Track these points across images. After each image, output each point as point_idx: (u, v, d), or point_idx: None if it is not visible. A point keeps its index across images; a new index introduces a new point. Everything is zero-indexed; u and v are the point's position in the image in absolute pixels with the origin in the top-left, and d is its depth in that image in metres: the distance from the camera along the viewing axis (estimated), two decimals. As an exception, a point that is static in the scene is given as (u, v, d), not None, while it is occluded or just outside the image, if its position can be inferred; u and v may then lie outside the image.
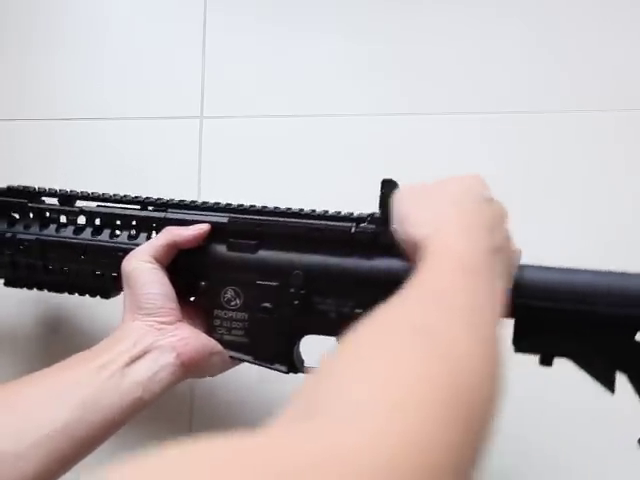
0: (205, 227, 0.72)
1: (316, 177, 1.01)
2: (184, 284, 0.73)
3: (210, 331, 0.72)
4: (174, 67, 1.09)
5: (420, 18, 1.02)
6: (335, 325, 0.63)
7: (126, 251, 0.73)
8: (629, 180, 0.95)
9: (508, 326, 0.62)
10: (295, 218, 0.71)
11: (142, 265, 0.69)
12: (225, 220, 0.73)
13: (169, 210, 0.77)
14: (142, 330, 0.66)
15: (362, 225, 0.69)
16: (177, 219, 0.75)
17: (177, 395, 0.99)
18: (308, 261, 0.69)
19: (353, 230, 0.68)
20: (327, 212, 0.71)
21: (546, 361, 0.62)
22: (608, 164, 0.96)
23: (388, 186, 0.64)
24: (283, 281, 0.70)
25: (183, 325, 0.69)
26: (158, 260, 0.70)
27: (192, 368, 0.68)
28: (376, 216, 0.67)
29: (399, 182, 0.64)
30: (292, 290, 0.69)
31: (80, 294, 0.84)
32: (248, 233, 0.72)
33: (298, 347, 0.73)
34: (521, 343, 0.63)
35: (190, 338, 0.68)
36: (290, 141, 1.04)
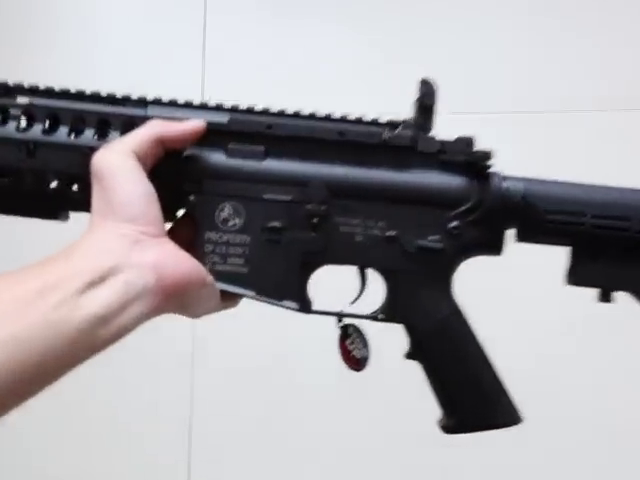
0: (200, 123, 0.57)
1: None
2: (168, 197, 0.56)
3: (199, 259, 0.55)
4: (174, 62, 1.09)
5: (424, 10, 1.02)
6: (361, 251, 0.57)
7: (94, 149, 0.55)
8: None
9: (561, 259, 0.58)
10: (312, 120, 0.58)
11: (121, 159, 0.53)
12: (225, 120, 0.58)
13: (150, 106, 0.60)
14: (112, 242, 0.49)
15: (396, 130, 0.57)
16: (163, 117, 0.58)
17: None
18: (330, 172, 0.57)
19: (386, 135, 0.57)
20: (350, 115, 0.59)
21: (605, 297, 0.57)
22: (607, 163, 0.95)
23: (427, 86, 0.56)
24: (297, 195, 0.57)
25: (168, 241, 0.53)
26: (140, 158, 0.54)
27: (175, 299, 0.52)
28: (412, 121, 0.57)
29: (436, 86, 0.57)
30: (309, 206, 0.57)
31: (24, 215, 0.63)
32: (254, 136, 0.58)
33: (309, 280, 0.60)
34: (576, 274, 0.57)
35: (178, 257, 0.52)
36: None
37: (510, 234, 0.56)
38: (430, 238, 0.56)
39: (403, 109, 0.99)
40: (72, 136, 0.58)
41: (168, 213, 0.57)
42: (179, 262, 0.52)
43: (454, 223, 0.56)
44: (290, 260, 0.58)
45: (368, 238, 0.57)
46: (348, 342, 0.58)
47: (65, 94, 0.60)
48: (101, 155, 0.53)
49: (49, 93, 0.60)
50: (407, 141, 0.56)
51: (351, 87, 1.06)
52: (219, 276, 0.57)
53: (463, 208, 0.56)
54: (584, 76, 0.97)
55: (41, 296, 0.45)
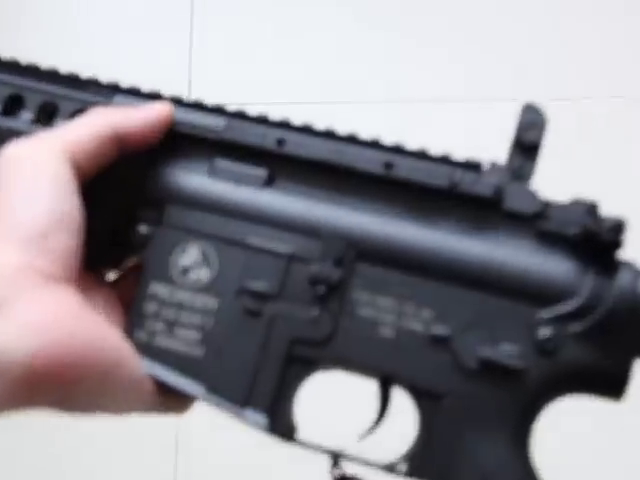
0: (166, 108, 0.40)
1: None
2: (105, 224, 0.40)
3: (131, 323, 0.39)
4: (160, 53, 1.08)
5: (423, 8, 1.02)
6: (387, 354, 0.36)
7: (22, 135, 0.40)
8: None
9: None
10: (346, 143, 0.40)
11: (46, 158, 0.36)
12: (221, 124, 0.40)
13: (118, 95, 0.42)
14: None
15: (472, 174, 0.38)
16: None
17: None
18: (358, 222, 0.38)
19: (458, 178, 0.37)
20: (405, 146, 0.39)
21: None
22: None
23: (532, 116, 0.37)
24: (302, 248, 0.38)
25: (72, 293, 0.35)
26: (79, 161, 0.37)
27: (60, 387, 0.32)
28: (503, 165, 0.38)
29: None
30: (316, 267, 0.37)
31: None
32: (256, 154, 0.40)
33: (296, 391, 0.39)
34: None
35: (80, 320, 0.34)
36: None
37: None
38: (505, 349, 0.35)
39: (407, 95, 0.99)
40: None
41: (112, 252, 0.41)
42: (80, 328, 0.33)
43: (547, 331, 0.35)
44: (271, 347, 0.37)
45: (402, 333, 0.36)
46: None
47: (15, 66, 0.44)
48: (21, 145, 0.37)
49: None
50: (489, 191, 0.37)
51: (352, 71, 1.05)
52: (157, 355, 0.38)
53: (566, 310, 0.35)
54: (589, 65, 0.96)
55: None
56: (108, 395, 0.35)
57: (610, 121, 0.95)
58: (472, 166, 0.37)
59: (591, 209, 0.36)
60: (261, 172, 0.39)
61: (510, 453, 0.35)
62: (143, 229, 0.39)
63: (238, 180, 0.39)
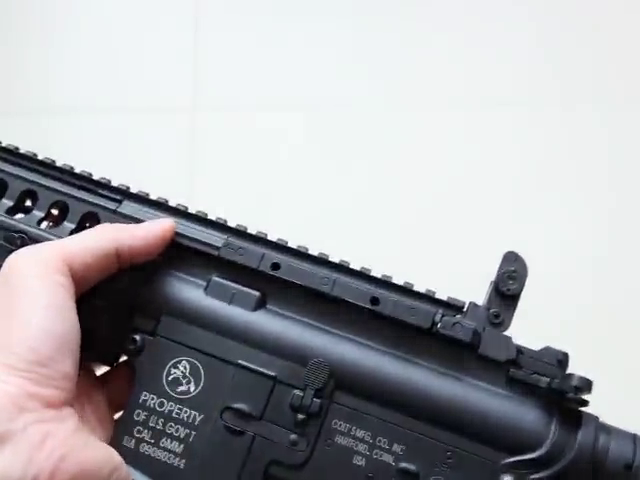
0: (169, 225, 0.42)
1: (317, 172, 1.00)
2: (102, 330, 0.42)
3: (120, 432, 0.40)
4: (164, 56, 1.08)
5: (426, 9, 1.02)
6: (357, 476, 0.38)
7: (27, 237, 0.42)
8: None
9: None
10: (340, 271, 0.42)
11: (44, 273, 0.37)
12: (220, 242, 0.42)
13: (127, 201, 0.45)
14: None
15: (452, 317, 0.40)
16: (134, 217, 0.44)
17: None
18: (342, 353, 0.40)
19: (438, 319, 0.40)
20: (389, 278, 0.42)
21: None
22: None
23: (514, 263, 0.40)
24: (285, 373, 0.39)
25: (71, 413, 0.36)
26: (77, 276, 0.38)
27: None
28: (483, 307, 0.40)
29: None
30: (298, 393, 0.39)
31: None
32: (251, 275, 0.42)
33: None
34: None
35: (75, 447, 0.34)
36: (288, 135, 1.03)
37: None
38: None
39: (406, 102, 1.00)
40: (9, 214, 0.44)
41: (106, 356, 0.42)
42: (80, 454, 0.34)
43: (509, 478, 0.36)
44: (248, 466, 0.38)
45: (373, 464, 0.37)
46: None
47: (32, 160, 0.45)
48: (20, 257, 0.38)
49: (9, 152, 0.46)
50: (467, 336, 0.39)
51: (352, 76, 1.05)
52: (142, 463, 0.38)
53: (529, 458, 0.36)
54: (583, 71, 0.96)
55: None
56: None
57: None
58: (454, 307, 0.40)
59: (562, 360, 0.38)
60: (254, 294, 0.41)
61: None
62: (138, 338, 0.41)
63: (232, 299, 0.41)
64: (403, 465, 0.37)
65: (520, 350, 0.39)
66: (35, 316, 0.35)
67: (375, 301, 0.40)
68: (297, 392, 0.38)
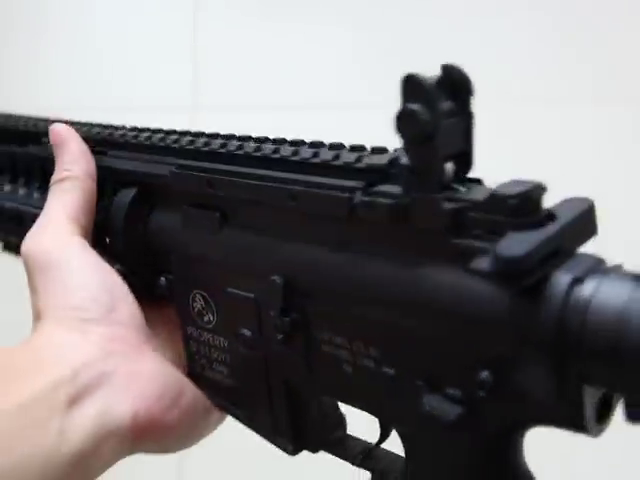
0: (61, 127, 0.45)
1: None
2: (138, 278, 0.43)
3: (188, 362, 0.43)
4: (164, 56, 1.08)
5: (426, 9, 1.02)
6: (357, 389, 0.34)
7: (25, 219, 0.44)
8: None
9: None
10: (274, 169, 0.36)
11: (64, 244, 0.39)
12: (165, 172, 0.41)
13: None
14: (85, 348, 0.36)
15: (373, 189, 0.32)
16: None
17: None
18: (291, 259, 0.35)
19: (358, 200, 0.32)
20: (306, 160, 0.35)
21: None
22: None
23: (411, 84, 0.28)
24: (260, 293, 0.37)
25: (151, 349, 0.39)
26: (84, 227, 0.42)
27: (151, 439, 0.37)
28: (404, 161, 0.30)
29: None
30: (272, 313, 0.36)
31: None
32: (203, 197, 0.39)
33: (309, 412, 0.40)
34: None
35: (159, 381, 0.38)
36: (288, 135, 1.03)
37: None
38: (449, 392, 0.29)
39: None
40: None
41: (140, 295, 0.42)
42: (166, 385, 0.37)
43: (485, 373, 0.28)
44: (273, 386, 0.38)
45: (359, 371, 0.33)
46: None
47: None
48: (32, 241, 0.40)
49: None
50: (383, 211, 0.30)
51: (350, 76, 1.05)
52: (206, 385, 0.41)
53: (499, 346, 0.27)
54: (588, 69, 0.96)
55: (32, 408, 0.33)
56: (194, 434, 0.40)
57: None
58: (375, 172, 0.32)
59: (512, 204, 0.27)
60: (214, 215, 0.39)
61: None
62: (162, 281, 0.42)
63: (200, 225, 0.40)
64: (384, 369, 0.32)
65: (457, 210, 0.28)
66: (82, 276, 0.38)
67: (294, 197, 0.34)
68: (272, 312, 0.36)
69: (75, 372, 0.35)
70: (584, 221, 0.27)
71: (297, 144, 0.37)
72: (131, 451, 0.36)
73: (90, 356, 0.36)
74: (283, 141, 0.38)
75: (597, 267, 0.26)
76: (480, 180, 0.30)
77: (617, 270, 0.26)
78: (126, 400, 0.35)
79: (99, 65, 1.12)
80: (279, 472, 0.89)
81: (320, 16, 1.05)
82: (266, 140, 0.39)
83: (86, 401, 0.34)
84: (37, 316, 0.38)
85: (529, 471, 0.32)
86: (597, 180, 0.96)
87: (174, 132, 0.44)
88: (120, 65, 1.11)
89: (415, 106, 0.27)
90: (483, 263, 0.26)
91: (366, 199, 0.31)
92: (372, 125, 1.00)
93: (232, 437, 0.93)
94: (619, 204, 0.96)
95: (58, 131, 0.44)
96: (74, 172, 0.42)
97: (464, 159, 0.30)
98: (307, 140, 0.37)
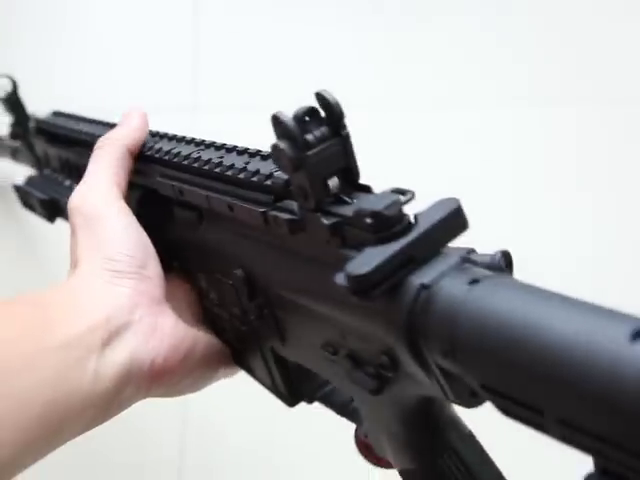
0: (140, 110, 0.51)
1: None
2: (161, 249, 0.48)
3: (208, 324, 0.49)
4: (164, 55, 1.08)
5: (427, 9, 1.01)
6: (318, 358, 0.39)
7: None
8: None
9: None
10: (216, 180, 0.42)
11: (111, 202, 0.45)
12: (155, 179, 0.48)
13: None
14: (117, 296, 0.41)
15: (283, 203, 0.37)
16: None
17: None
18: (248, 253, 0.41)
19: (270, 213, 0.37)
20: (223, 171, 0.41)
21: None
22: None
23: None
24: (235, 280, 0.42)
25: (169, 309, 0.44)
26: (123, 189, 0.47)
27: (166, 381, 0.42)
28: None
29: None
30: (242, 299, 0.42)
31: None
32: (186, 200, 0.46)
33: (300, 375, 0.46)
34: None
35: (178, 335, 0.43)
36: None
37: None
38: (367, 370, 0.34)
39: (405, 103, 0.99)
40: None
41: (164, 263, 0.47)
42: (181, 336, 0.42)
43: (384, 358, 0.32)
44: (264, 352, 0.45)
45: (317, 351, 0.38)
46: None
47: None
48: (80, 196, 0.45)
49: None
50: (284, 224, 0.35)
51: (354, 76, 1.05)
52: (223, 335, 0.47)
53: (384, 338, 0.31)
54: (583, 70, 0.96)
55: (73, 348, 0.37)
56: (199, 383, 0.45)
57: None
58: (276, 191, 0.37)
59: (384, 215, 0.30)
60: (193, 214, 0.46)
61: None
62: (175, 264, 0.49)
63: (186, 221, 0.46)
64: (327, 351, 0.37)
65: (335, 225, 0.32)
66: (122, 233, 0.43)
67: (231, 207, 0.40)
68: (242, 298, 0.42)
69: (108, 318, 0.39)
70: (450, 220, 0.30)
71: (242, 152, 0.42)
72: (145, 395, 0.41)
73: (120, 304, 0.40)
74: (233, 149, 0.43)
75: (453, 265, 0.29)
76: (369, 187, 0.34)
77: (474, 262, 0.29)
78: (147, 348, 0.40)
79: (99, 65, 1.12)
80: (279, 472, 0.89)
81: (321, 16, 1.05)
82: (222, 148, 0.44)
83: (117, 346, 0.39)
84: (74, 264, 0.43)
85: (456, 417, 0.36)
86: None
87: (166, 135, 0.51)
88: (120, 65, 1.12)
89: (282, 144, 0.31)
90: (341, 278, 0.29)
91: (272, 213, 0.36)
92: (372, 125, 1.00)
93: (232, 437, 0.93)
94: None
95: (134, 107, 0.50)
96: (124, 141, 0.48)
97: (348, 173, 0.33)
98: (251, 148, 0.42)
